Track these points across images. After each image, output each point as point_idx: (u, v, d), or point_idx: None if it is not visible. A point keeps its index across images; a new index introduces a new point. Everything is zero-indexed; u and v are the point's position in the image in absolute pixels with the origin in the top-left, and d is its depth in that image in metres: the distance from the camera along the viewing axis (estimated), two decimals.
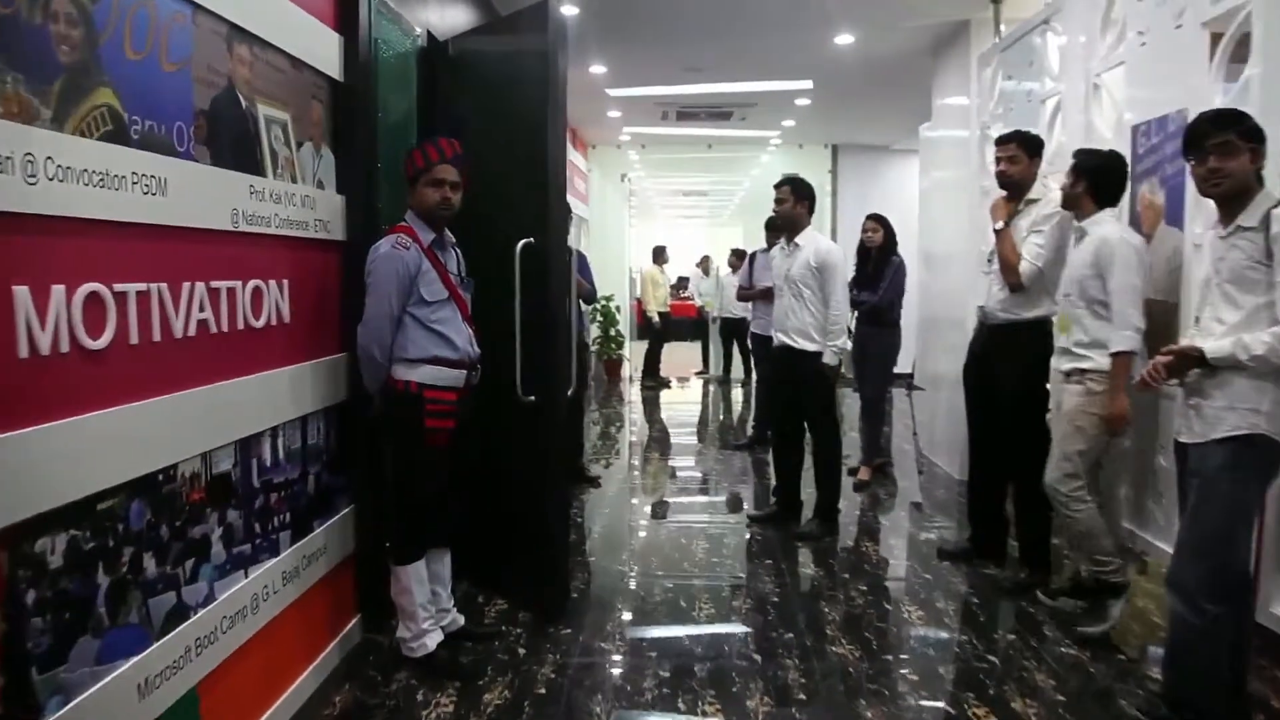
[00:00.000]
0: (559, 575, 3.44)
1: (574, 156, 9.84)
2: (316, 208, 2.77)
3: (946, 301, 5.95)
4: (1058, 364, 3.27)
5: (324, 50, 2.82)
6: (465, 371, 2.90)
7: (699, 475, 5.99)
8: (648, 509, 5.03)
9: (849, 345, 4.35)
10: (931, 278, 6.38)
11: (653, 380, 10.44)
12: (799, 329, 4.32)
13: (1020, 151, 3.56)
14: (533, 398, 3.20)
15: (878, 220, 5.47)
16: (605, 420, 8.20)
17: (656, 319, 10.48)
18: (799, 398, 4.42)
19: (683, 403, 9.71)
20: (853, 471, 5.53)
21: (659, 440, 7.41)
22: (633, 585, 3.74)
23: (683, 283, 18.79)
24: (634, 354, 11.30)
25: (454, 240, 3.02)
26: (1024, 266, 3.45)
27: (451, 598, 3.13)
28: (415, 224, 2.86)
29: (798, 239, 4.36)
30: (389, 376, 2.83)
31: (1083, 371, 3.10)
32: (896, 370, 5.67)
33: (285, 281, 2.58)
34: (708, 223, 22.00)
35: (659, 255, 10.49)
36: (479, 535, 3.55)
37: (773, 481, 4.77)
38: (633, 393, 10.28)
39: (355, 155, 3.04)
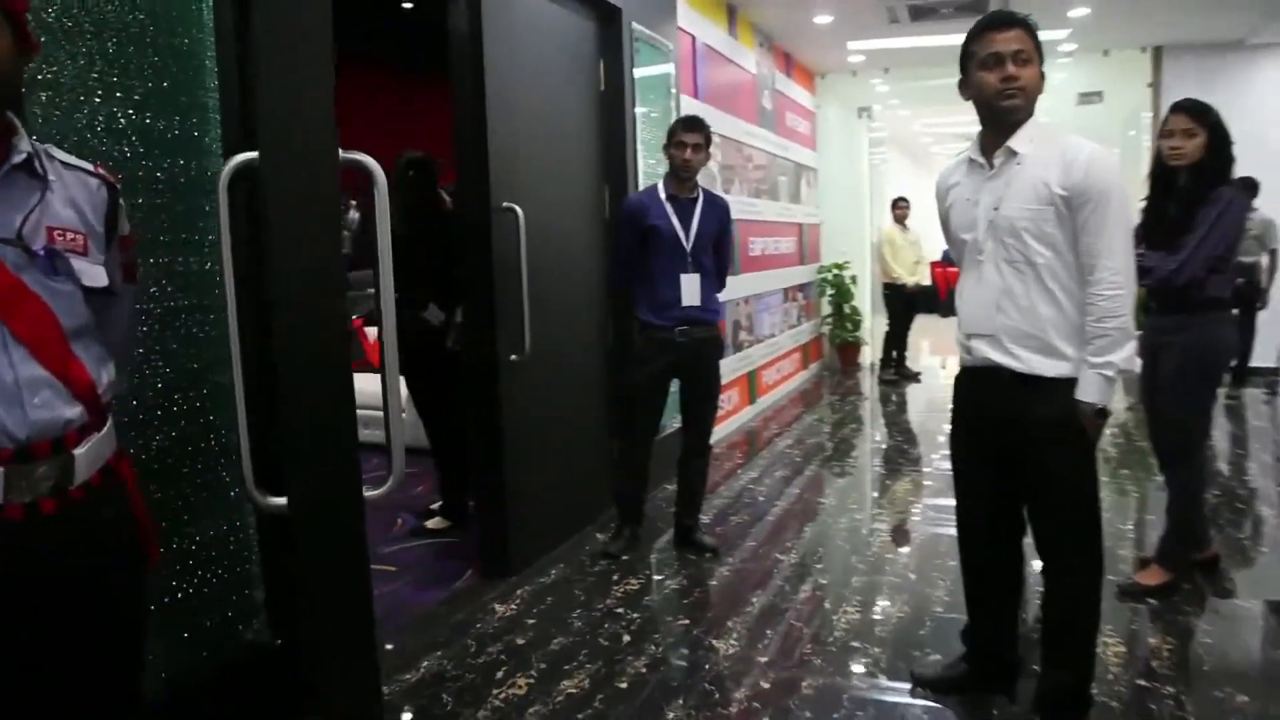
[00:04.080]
0: None
1: (791, 89, 7.75)
2: None
3: None
4: None
5: None
6: None
7: (886, 552, 3.84)
8: (755, 629, 3.05)
9: (1137, 363, 2.10)
10: None
11: (895, 371, 8.10)
12: (1023, 332, 2.13)
13: None
14: (282, 500, 1.46)
15: (1193, 115, 2.89)
16: (804, 431, 6.13)
17: (909, 286, 7.91)
18: (1015, 472, 2.21)
19: (929, 407, 7.28)
20: (1142, 564, 3.18)
21: (868, 468, 5.26)
22: None
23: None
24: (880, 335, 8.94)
25: (32, 152, 1.31)
26: None
27: None
28: None
29: (1013, 141, 2.14)
30: None
31: None
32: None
33: None
34: None
35: (896, 209, 8.02)
36: None
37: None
38: (871, 386, 8.04)
39: None
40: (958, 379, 2.35)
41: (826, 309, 8.76)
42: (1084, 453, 2.14)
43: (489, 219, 3.25)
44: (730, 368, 6.04)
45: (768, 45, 6.96)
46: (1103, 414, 2.07)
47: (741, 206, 6.27)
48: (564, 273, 3.76)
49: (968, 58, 2.15)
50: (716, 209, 3.57)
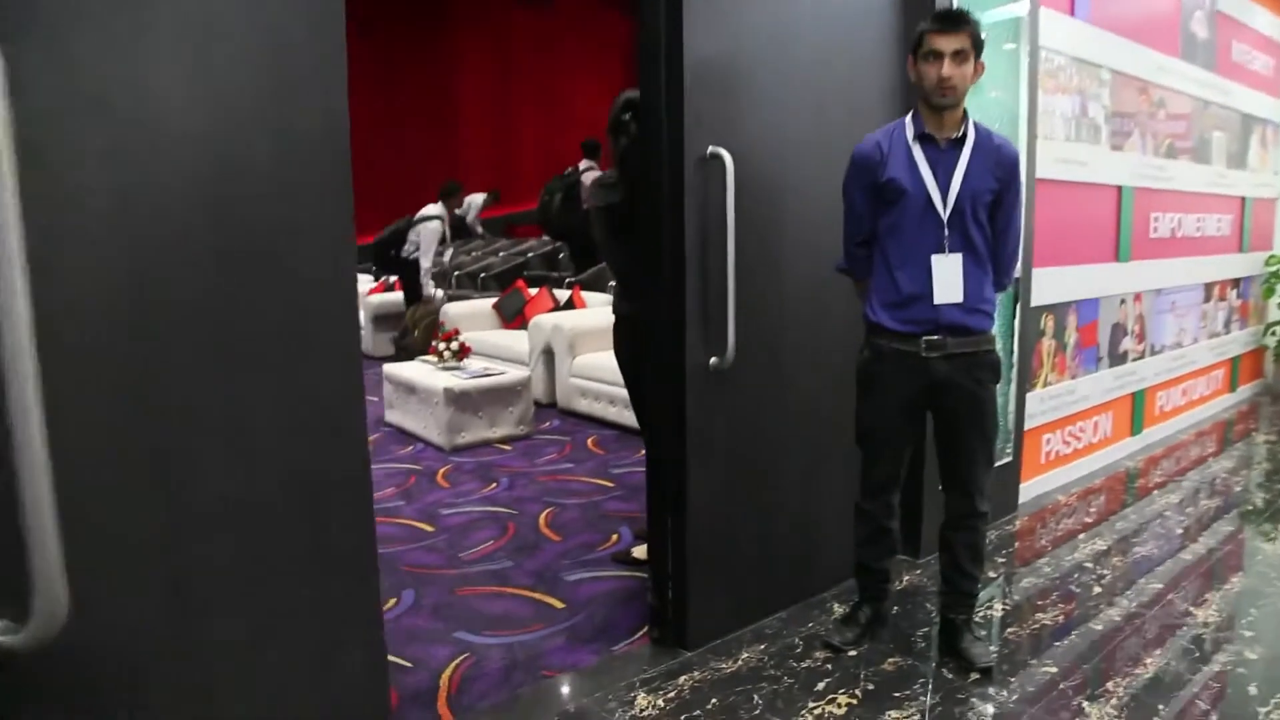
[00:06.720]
0: None
1: (1248, 11, 5.66)
2: None
3: None
4: None
5: None
6: None
7: None
8: None
9: None
10: None
11: None
12: None
13: None
14: None
15: None
16: (1206, 481, 4.36)
17: None
18: None
19: None
20: None
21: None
22: None
23: None
24: None
25: None
26: None
27: None
28: None
29: None
30: None
31: None
32: None
33: None
34: None
35: None
36: None
37: None
38: None
39: None
40: None
41: (1275, 314, 6.48)
42: None
43: (681, 169, 2.37)
44: (1104, 386, 4.51)
45: None
46: None
47: (1138, 169, 4.60)
48: (803, 250, 2.75)
49: None
50: (995, 156, 2.31)
